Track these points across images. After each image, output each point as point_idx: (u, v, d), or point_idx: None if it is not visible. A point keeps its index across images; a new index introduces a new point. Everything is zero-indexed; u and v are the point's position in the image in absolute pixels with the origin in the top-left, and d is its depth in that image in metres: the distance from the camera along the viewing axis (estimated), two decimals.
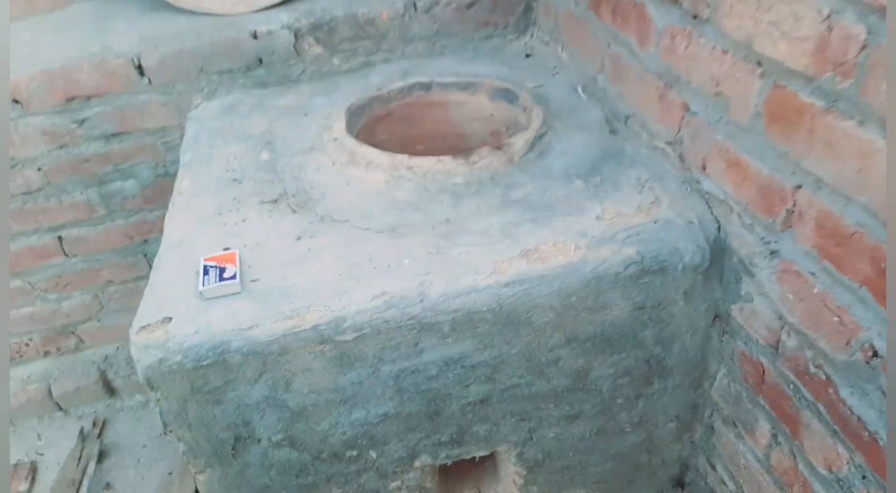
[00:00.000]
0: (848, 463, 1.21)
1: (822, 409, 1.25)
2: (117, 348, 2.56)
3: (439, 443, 1.55)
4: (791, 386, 1.32)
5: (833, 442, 1.23)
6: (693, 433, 1.74)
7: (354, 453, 1.51)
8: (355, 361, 1.35)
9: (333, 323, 1.29)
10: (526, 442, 1.61)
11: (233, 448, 1.42)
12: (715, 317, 1.52)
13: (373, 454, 1.52)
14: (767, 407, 1.42)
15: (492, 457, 1.81)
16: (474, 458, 1.64)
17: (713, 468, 1.72)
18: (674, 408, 1.66)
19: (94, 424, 2.41)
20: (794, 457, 1.37)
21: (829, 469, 1.26)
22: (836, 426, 1.22)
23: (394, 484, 1.60)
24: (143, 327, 1.30)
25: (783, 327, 1.31)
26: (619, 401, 1.60)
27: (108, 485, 2.20)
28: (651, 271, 1.39)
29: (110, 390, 2.49)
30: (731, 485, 1.65)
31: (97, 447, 2.30)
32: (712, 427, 1.68)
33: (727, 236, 1.40)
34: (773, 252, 1.28)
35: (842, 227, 1.09)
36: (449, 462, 1.61)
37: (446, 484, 1.77)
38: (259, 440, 1.43)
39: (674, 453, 1.78)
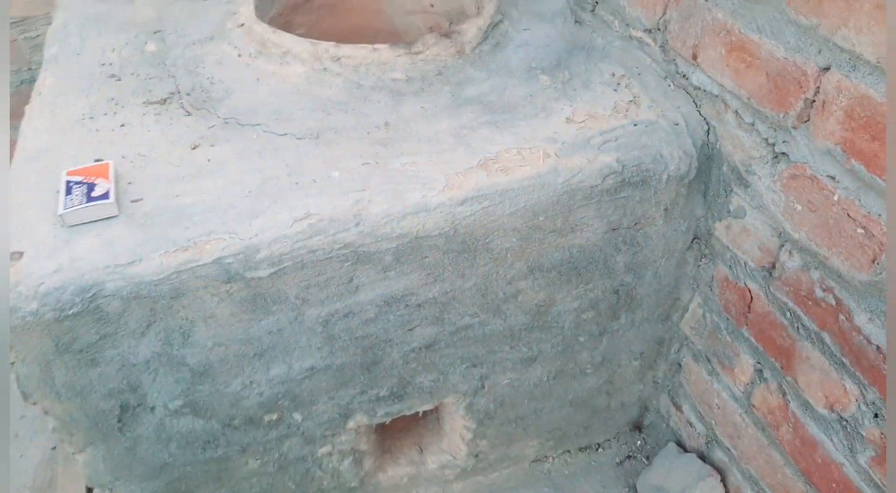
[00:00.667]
0: (857, 400, 1.04)
1: (827, 339, 1.07)
2: None
3: (377, 399, 1.30)
4: (787, 314, 1.15)
5: (839, 377, 1.07)
6: (656, 372, 1.57)
7: (274, 416, 1.23)
8: (273, 304, 1.06)
9: (243, 255, 0.99)
10: (477, 391, 1.39)
11: (119, 420, 1.11)
12: (694, 238, 1.32)
13: (297, 416, 1.25)
14: (753, 339, 1.25)
15: (435, 410, 1.58)
16: (417, 413, 1.40)
17: (678, 408, 1.56)
18: (639, 344, 1.47)
19: None
20: (784, 395, 1.21)
21: (831, 408, 1.10)
22: (844, 359, 1.05)
23: (323, 450, 1.34)
24: None
25: (783, 246, 1.12)
26: (581, 339, 1.39)
27: None
28: (631, 183, 1.16)
29: None
30: (699, 427, 1.49)
31: None
32: (679, 364, 1.51)
33: (718, 140, 1.19)
34: (778, 155, 1.08)
35: (883, 115, 0.88)
36: (388, 420, 1.36)
37: (383, 444, 1.53)
38: (152, 408, 1.12)
39: (634, 394, 1.60)
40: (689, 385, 1.50)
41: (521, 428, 1.53)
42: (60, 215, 0.98)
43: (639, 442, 1.72)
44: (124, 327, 1.00)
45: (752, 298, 1.23)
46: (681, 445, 1.57)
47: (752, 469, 1.34)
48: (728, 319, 1.31)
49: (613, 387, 1.55)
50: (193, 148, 1.11)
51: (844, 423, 1.08)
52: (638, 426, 1.72)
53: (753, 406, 1.30)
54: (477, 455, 1.54)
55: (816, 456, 1.15)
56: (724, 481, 1.43)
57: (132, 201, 1.02)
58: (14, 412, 1.92)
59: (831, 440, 1.11)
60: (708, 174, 1.24)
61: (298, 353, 1.15)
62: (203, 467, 1.25)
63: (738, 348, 1.30)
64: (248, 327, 1.07)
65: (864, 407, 1.04)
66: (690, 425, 1.53)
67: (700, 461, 1.48)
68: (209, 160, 1.09)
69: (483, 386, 1.38)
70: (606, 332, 1.41)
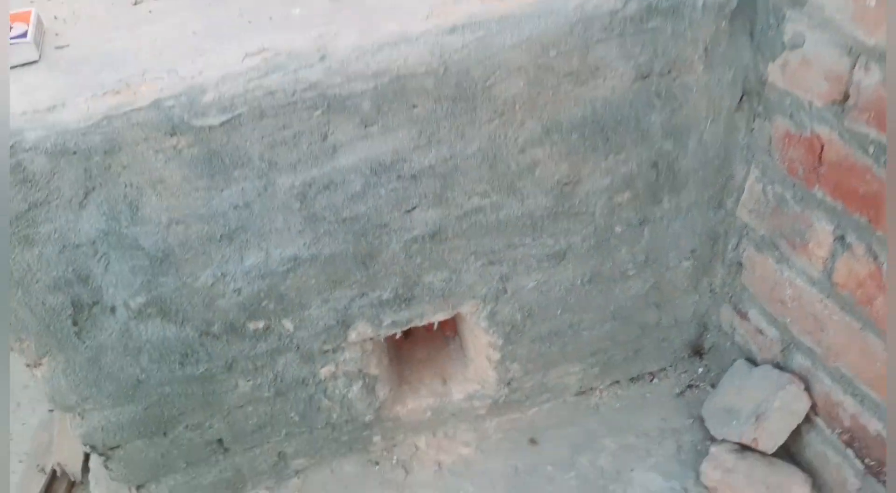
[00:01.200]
0: None
1: None
2: None
3: (380, 303, 1.11)
4: (871, 149, 0.92)
5: None
6: (713, 277, 1.34)
7: (260, 324, 1.06)
8: (234, 166, 0.89)
9: (185, 97, 0.83)
10: (498, 297, 1.19)
11: (74, 323, 0.96)
12: (742, 96, 1.10)
13: (287, 324, 1.07)
14: (828, 198, 1.02)
15: (457, 335, 1.39)
16: (432, 326, 1.21)
17: (744, 317, 1.32)
18: (688, 239, 1.25)
19: None
20: (876, 257, 0.97)
21: None
22: None
23: (325, 370, 1.16)
24: None
25: (856, 63, 0.90)
26: (617, 230, 1.18)
27: None
28: (660, 11, 0.96)
29: None
30: (771, 332, 1.25)
31: None
32: (740, 263, 1.28)
33: None
34: None
35: None
36: (398, 333, 1.17)
37: (399, 373, 1.33)
38: (113, 308, 0.96)
39: (689, 307, 1.37)
40: (753, 285, 1.26)
41: (558, 348, 1.32)
42: None
43: (700, 370, 1.48)
44: (57, 194, 0.84)
45: (822, 146, 1.00)
46: (751, 361, 1.33)
47: (843, 367, 1.10)
48: (794, 184, 1.08)
49: (663, 296, 1.33)
50: (135, 3, 0.96)
51: None
52: (698, 351, 1.48)
53: (837, 285, 1.06)
54: (509, 383, 1.33)
55: None
56: (807, 389, 1.19)
57: (57, 48, 0.87)
58: (17, 381, 1.80)
59: None
60: (753, 6, 1.03)
61: (276, 237, 0.97)
62: (185, 387, 1.08)
63: (809, 217, 1.07)
64: (209, 198, 0.91)
65: None
66: (760, 333, 1.29)
67: (777, 369, 1.24)
68: (151, 11, 0.94)
69: (505, 290, 1.18)
70: (647, 221, 1.19)
